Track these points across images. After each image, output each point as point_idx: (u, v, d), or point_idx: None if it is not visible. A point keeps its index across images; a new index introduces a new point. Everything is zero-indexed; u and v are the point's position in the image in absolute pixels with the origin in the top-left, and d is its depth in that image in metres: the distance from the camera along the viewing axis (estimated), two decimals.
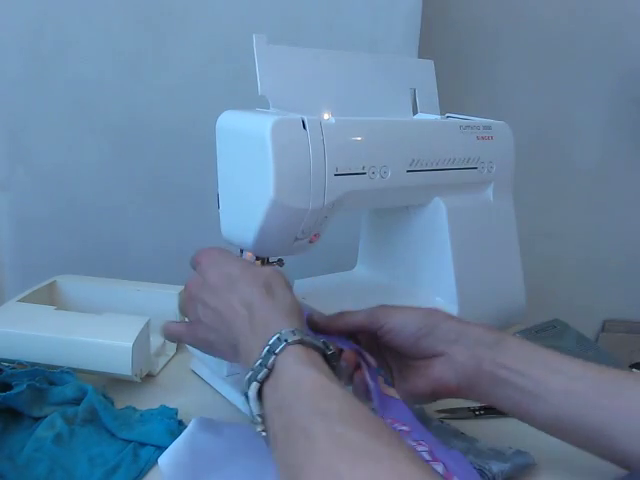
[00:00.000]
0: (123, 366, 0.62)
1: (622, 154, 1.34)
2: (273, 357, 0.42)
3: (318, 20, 0.90)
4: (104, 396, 0.60)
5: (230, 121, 0.62)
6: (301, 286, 0.77)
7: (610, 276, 1.41)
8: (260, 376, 0.42)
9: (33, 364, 0.62)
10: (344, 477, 0.33)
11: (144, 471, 0.53)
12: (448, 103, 0.78)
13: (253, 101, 0.62)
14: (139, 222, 0.91)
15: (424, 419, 0.60)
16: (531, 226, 0.96)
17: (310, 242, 0.64)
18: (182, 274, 0.87)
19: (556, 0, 1.24)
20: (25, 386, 0.58)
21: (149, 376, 0.68)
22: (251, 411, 0.43)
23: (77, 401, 0.59)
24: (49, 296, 0.77)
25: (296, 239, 0.62)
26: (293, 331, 0.44)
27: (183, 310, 0.56)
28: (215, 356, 0.55)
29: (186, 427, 0.54)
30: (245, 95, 0.89)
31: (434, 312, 0.56)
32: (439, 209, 0.71)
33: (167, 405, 0.60)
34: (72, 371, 0.62)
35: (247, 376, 0.43)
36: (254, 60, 0.61)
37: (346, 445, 0.35)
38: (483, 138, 0.72)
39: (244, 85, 0.89)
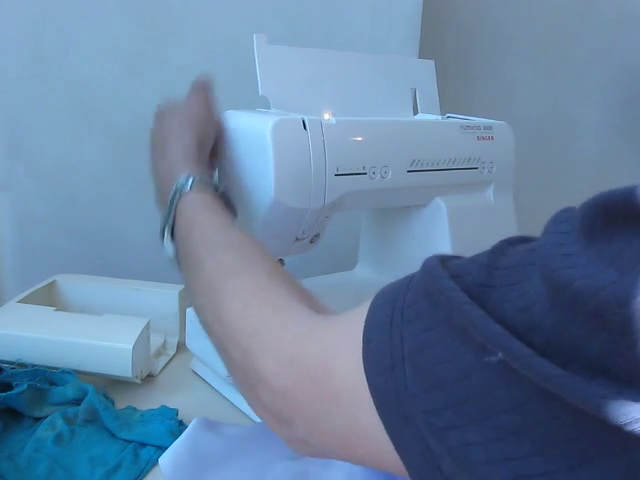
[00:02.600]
0: (123, 368, 0.62)
1: (622, 153, 1.34)
2: (173, 206, 0.51)
3: (318, 20, 0.90)
4: (105, 396, 0.60)
5: (230, 121, 0.62)
6: None
7: None
8: (169, 222, 0.51)
9: (33, 365, 0.62)
10: (220, 290, 0.42)
11: (144, 471, 0.53)
12: (448, 103, 0.78)
13: (254, 101, 0.62)
14: (139, 221, 0.91)
15: None
16: (531, 226, 0.96)
17: (310, 242, 0.64)
18: None
19: (556, 0, 1.24)
20: (26, 386, 0.58)
21: (149, 376, 0.68)
22: (167, 250, 0.53)
23: (78, 401, 0.59)
24: (49, 296, 0.77)
25: (296, 239, 0.62)
26: (187, 177, 0.51)
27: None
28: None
29: (186, 427, 0.55)
30: (245, 95, 0.89)
31: None
32: (439, 209, 0.71)
33: (167, 405, 0.60)
34: (72, 371, 0.62)
35: (161, 224, 0.52)
36: (254, 60, 0.61)
37: (222, 266, 0.44)
38: (483, 138, 0.72)
39: (244, 85, 0.89)
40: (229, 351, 0.40)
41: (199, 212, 0.50)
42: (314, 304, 0.41)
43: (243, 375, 0.39)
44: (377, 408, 0.30)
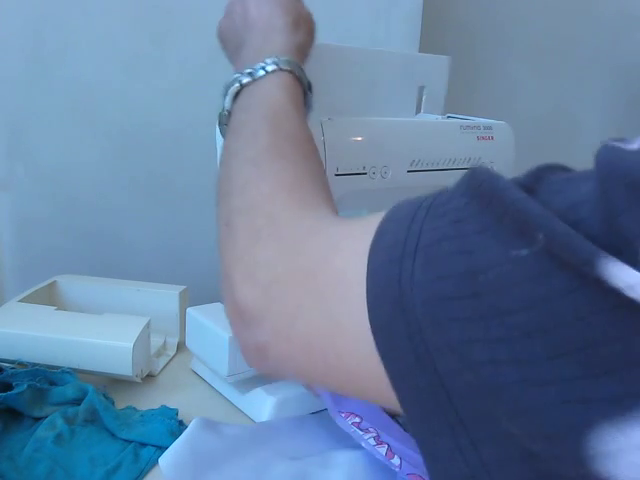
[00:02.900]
0: (124, 366, 0.62)
1: None
2: (262, 72, 0.47)
3: (318, 20, 0.90)
4: (105, 396, 0.60)
5: None
6: None
7: None
8: (245, 80, 0.48)
9: (34, 364, 0.62)
10: (262, 167, 0.41)
11: (145, 471, 0.53)
12: (448, 103, 0.78)
13: None
14: (139, 222, 0.91)
15: None
16: None
17: None
18: (182, 274, 0.87)
19: (557, 0, 1.24)
20: (26, 386, 0.58)
21: (150, 376, 0.68)
22: (223, 106, 0.50)
23: (78, 401, 0.59)
24: (49, 296, 0.77)
25: None
26: (289, 61, 0.48)
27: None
28: (222, 46, 0.59)
29: (186, 427, 0.55)
30: None
31: None
32: None
33: (167, 405, 0.60)
34: (72, 371, 0.62)
35: (234, 75, 0.49)
36: None
37: (276, 149, 0.42)
38: (484, 138, 0.72)
39: None
40: (235, 225, 0.39)
41: (278, 91, 0.47)
42: None
43: (235, 256, 0.38)
44: (369, 302, 0.28)
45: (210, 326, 0.63)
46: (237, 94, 0.48)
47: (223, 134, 0.51)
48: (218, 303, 0.68)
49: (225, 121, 0.50)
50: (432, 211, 0.28)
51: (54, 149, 0.86)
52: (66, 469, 0.52)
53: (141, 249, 0.92)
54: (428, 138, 0.68)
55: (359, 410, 0.54)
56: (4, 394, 0.57)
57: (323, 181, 0.44)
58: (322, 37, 0.92)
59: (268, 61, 0.48)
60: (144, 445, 0.55)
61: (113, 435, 0.56)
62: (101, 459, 0.53)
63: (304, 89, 0.50)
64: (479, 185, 0.27)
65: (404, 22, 0.93)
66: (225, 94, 0.49)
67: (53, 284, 0.78)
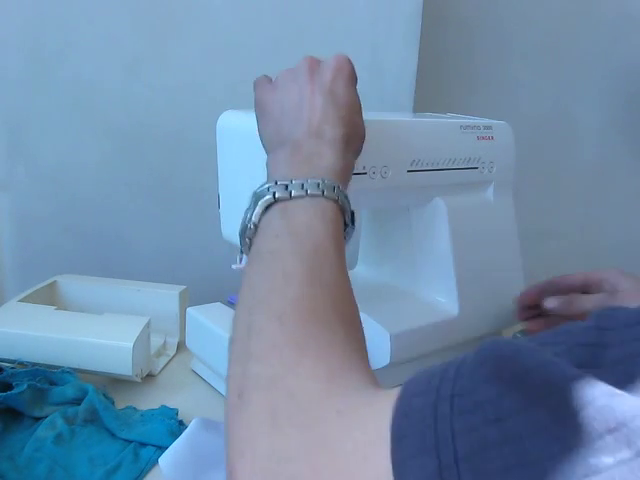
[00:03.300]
0: (124, 366, 0.62)
1: (622, 153, 1.34)
2: (302, 193, 0.41)
3: (318, 20, 0.90)
4: (105, 396, 0.60)
5: (230, 121, 0.62)
6: None
7: None
8: (280, 195, 0.42)
9: (34, 364, 0.62)
10: (282, 336, 0.34)
11: (145, 471, 0.53)
12: (448, 103, 0.78)
13: (253, 101, 0.62)
14: (139, 222, 0.91)
15: None
16: (531, 225, 0.96)
17: None
18: (182, 274, 0.87)
19: (557, 0, 1.24)
20: (26, 386, 0.58)
21: (149, 376, 0.68)
22: (249, 216, 0.43)
23: (78, 401, 0.59)
24: (49, 296, 0.77)
25: None
26: (335, 188, 0.42)
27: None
28: (258, 115, 0.53)
29: (186, 427, 0.55)
30: (245, 95, 0.89)
31: None
32: (439, 209, 0.71)
33: (167, 405, 0.60)
34: (73, 371, 0.62)
35: (267, 183, 0.43)
36: (254, 60, 0.61)
37: (306, 306, 0.36)
38: (483, 138, 0.72)
39: (244, 85, 0.90)
40: (249, 399, 0.32)
41: (318, 222, 0.41)
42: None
43: (245, 438, 0.31)
44: None
45: (210, 326, 0.63)
46: (268, 206, 0.42)
47: (244, 249, 0.44)
48: (218, 303, 0.68)
49: (250, 234, 0.43)
50: (457, 405, 0.24)
51: (54, 149, 0.86)
52: (66, 469, 0.52)
53: (141, 249, 0.92)
54: (428, 138, 0.68)
55: None
56: (4, 394, 0.57)
57: (359, 343, 0.37)
58: (323, 38, 0.93)
59: (311, 182, 0.42)
60: (144, 445, 0.55)
61: (113, 435, 0.56)
62: (101, 459, 0.53)
63: (345, 221, 0.44)
64: (508, 367, 0.22)
65: (404, 22, 0.93)
66: (254, 203, 0.43)
67: (53, 284, 0.78)
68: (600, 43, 1.26)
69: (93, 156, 0.87)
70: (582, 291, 0.65)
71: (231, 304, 0.68)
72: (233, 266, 0.65)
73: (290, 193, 0.42)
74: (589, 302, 0.62)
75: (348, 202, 0.44)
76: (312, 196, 0.41)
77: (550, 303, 0.65)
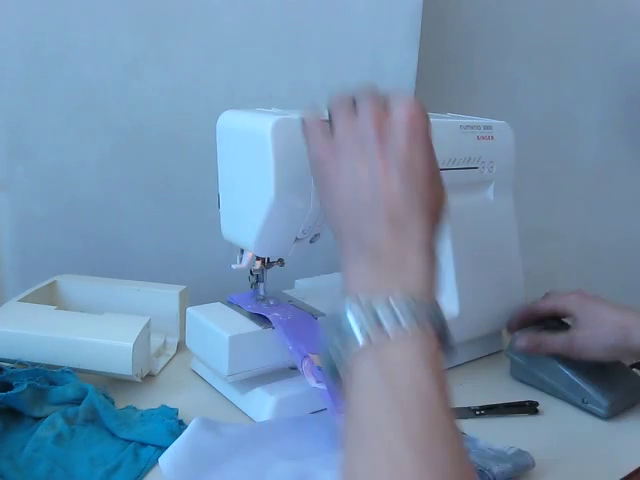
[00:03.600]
0: (124, 366, 0.62)
1: (622, 153, 1.34)
2: (394, 323, 0.35)
3: (319, 20, 0.90)
4: (105, 396, 0.60)
5: (230, 121, 0.62)
6: (301, 286, 0.77)
7: (611, 275, 1.41)
8: (369, 329, 0.36)
9: (34, 364, 0.62)
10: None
11: (145, 471, 0.53)
12: (448, 103, 0.78)
13: (253, 101, 0.62)
14: (139, 222, 0.91)
15: None
16: (531, 225, 0.96)
17: (310, 242, 0.64)
18: (182, 274, 0.87)
19: (556, 0, 1.24)
20: (26, 386, 0.58)
21: (149, 376, 0.68)
22: (335, 344, 0.37)
23: (78, 401, 0.59)
24: (49, 296, 0.77)
25: (296, 239, 0.62)
26: (433, 316, 0.37)
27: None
28: (320, 193, 0.46)
29: (186, 427, 0.55)
30: (245, 95, 0.89)
31: (626, 325, 0.61)
32: None
33: (167, 405, 0.60)
34: (73, 371, 0.62)
35: (352, 307, 0.37)
36: (254, 60, 0.61)
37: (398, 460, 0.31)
38: (483, 138, 0.72)
39: (244, 85, 0.90)
40: None
41: (420, 370, 0.35)
42: None
43: None
44: None
45: (210, 326, 0.63)
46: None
47: (332, 375, 0.39)
48: (218, 303, 0.68)
49: (337, 363, 0.38)
50: None
51: (54, 149, 0.86)
52: (66, 469, 0.52)
53: (141, 249, 0.92)
54: None
55: None
56: (4, 394, 0.57)
57: None
58: (323, 38, 0.93)
59: (402, 306, 0.36)
60: (144, 445, 0.55)
61: (113, 435, 0.56)
62: (101, 459, 0.53)
63: (444, 346, 0.38)
64: None
65: (404, 22, 0.93)
66: (340, 336, 0.37)
67: (53, 284, 0.78)
68: (600, 43, 1.26)
69: (93, 156, 0.87)
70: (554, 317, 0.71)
71: (231, 304, 0.68)
72: (233, 266, 0.65)
73: (380, 323, 0.36)
74: (555, 346, 0.66)
75: (444, 322, 0.38)
76: (406, 330, 0.35)
77: (521, 342, 0.69)
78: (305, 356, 0.58)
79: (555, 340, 0.66)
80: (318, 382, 0.57)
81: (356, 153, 0.43)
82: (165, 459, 0.51)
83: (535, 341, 0.68)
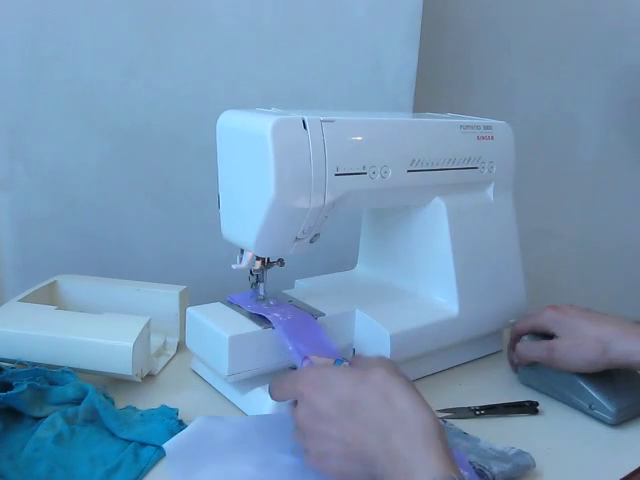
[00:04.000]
0: (124, 366, 0.62)
1: (622, 153, 1.34)
2: None
3: (319, 20, 0.90)
4: (105, 396, 0.60)
5: (230, 121, 0.62)
6: (301, 286, 0.77)
7: (611, 275, 1.41)
8: None
9: (34, 364, 0.62)
10: None
11: (145, 471, 0.53)
12: (448, 103, 0.78)
13: (253, 101, 0.62)
14: (139, 222, 0.91)
15: None
16: (531, 225, 0.96)
17: (310, 242, 0.64)
18: (182, 274, 0.87)
19: (556, 0, 1.24)
20: (26, 386, 0.58)
21: (150, 376, 0.68)
22: None
23: (78, 401, 0.59)
24: (49, 296, 0.77)
25: (296, 239, 0.62)
26: None
27: (298, 439, 0.50)
28: None
29: (186, 427, 0.55)
30: (245, 95, 0.89)
31: (604, 339, 0.62)
32: (439, 209, 0.71)
33: (167, 405, 0.60)
34: (73, 371, 0.62)
35: None
36: (254, 60, 0.61)
37: None
38: (483, 138, 0.72)
39: (244, 85, 0.90)
40: None
41: None
42: None
43: None
44: None
45: (210, 326, 0.63)
46: None
47: None
48: (218, 303, 0.68)
49: None
50: None
51: (54, 149, 0.86)
52: (66, 469, 0.52)
53: (141, 249, 0.92)
54: (428, 138, 0.68)
55: None
56: (4, 394, 0.57)
57: None
58: (323, 38, 0.93)
59: None
60: (144, 445, 0.55)
61: (113, 435, 0.56)
62: (101, 459, 0.53)
63: None
64: None
65: (404, 22, 0.93)
66: None
67: (53, 284, 0.78)
68: (600, 43, 1.26)
69: (93, 156, 0.87)
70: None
71: (231, 304, 0.68)
72: (233, 266, 0.65)
73: None
74: (535, 358, 0.68)
75: None
76: None
77: (513, 358, 0.72)
78: (305, 356, 0.58)
79: (536, 352, 0.67)
80: None
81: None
82: (170, 444, 0.52)
83: (518, 355, 0.70)
